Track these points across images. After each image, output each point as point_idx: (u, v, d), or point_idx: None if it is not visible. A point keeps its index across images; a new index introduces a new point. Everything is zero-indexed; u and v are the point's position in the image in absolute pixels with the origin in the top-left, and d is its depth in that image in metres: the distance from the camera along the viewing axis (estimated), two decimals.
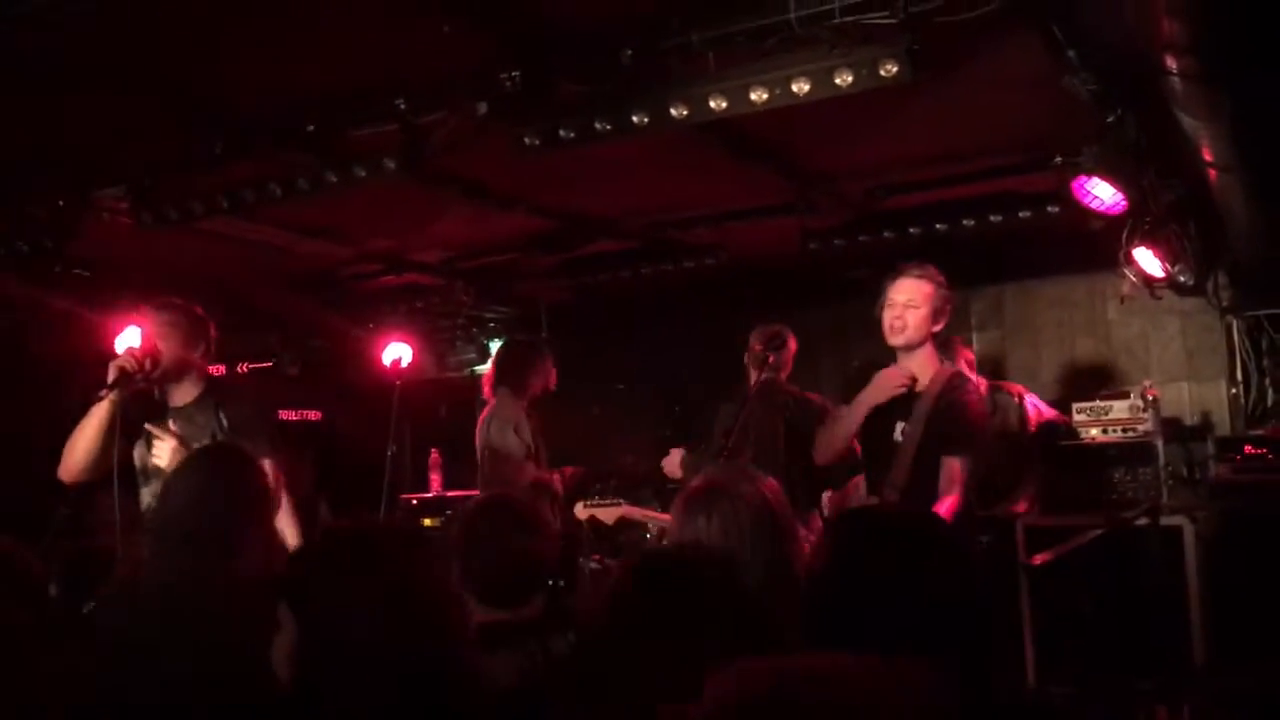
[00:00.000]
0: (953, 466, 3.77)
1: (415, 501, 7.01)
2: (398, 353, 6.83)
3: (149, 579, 2.71)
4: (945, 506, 3.64)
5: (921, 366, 3.91)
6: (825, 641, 1.60)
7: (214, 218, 4.68)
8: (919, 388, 3.89)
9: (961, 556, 1.75)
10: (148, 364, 3.67)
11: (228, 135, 4.20)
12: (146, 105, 3.93)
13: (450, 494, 7.05)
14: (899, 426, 3.88)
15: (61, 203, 4.56)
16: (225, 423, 3.84)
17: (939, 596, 1.63)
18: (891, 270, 4.00)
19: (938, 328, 3.91)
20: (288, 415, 7.72)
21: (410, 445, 7.47)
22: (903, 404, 3.90)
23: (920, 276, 3.88)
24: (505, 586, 2.58)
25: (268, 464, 3.73)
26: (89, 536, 4.41)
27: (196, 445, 3.67)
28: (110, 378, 3.60)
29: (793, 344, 5.08)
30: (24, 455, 4.08)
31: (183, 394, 3.89)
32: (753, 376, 4.93)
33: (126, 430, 3.73)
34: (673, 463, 4.99)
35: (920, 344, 3.89)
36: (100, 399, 3.63)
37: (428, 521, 6.84)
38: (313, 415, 7.95)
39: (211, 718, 2.09)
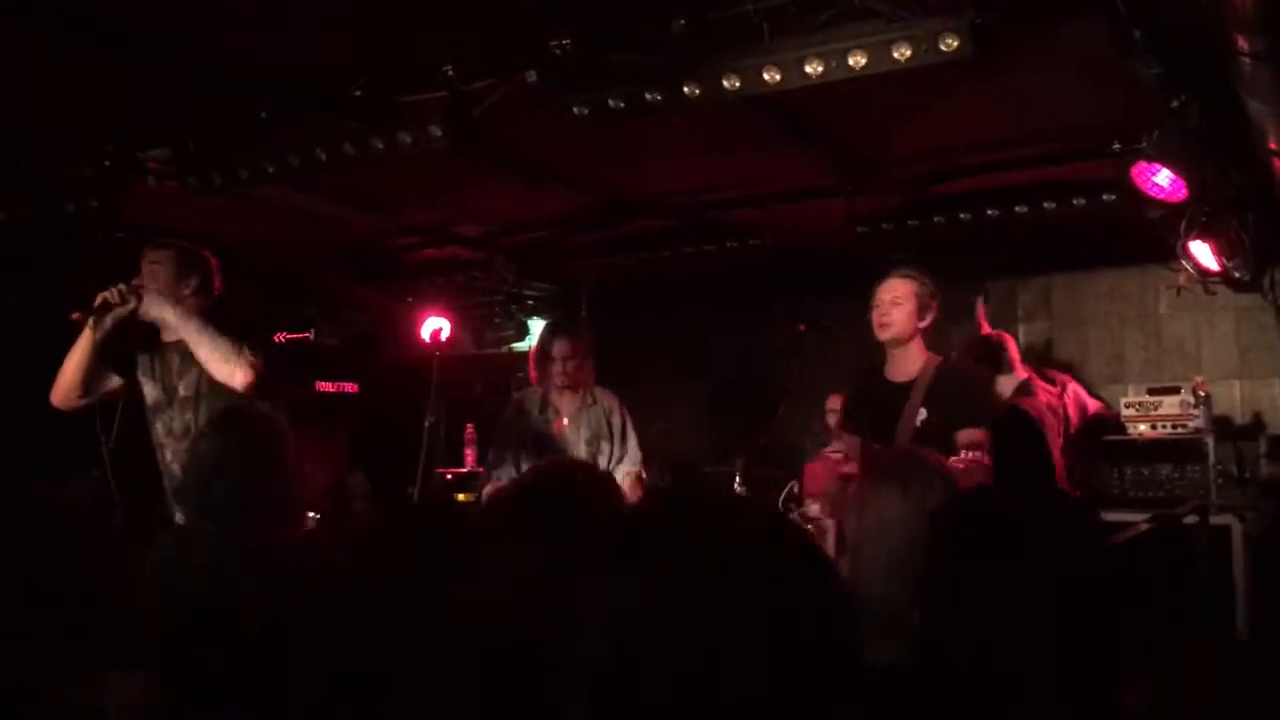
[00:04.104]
0: (970, 437, 3.79)
1: (450, 476, 7.01)
2: (436, 325, 6.81)
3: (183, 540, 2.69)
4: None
5: (913, 358, 4.08)
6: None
7: (259, 184, 4.66)
8: (910, 378, 4.05)
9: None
10: (131, 299, 3.73)
11: (275, 99, 4.18)
12: (194, 67, 3.91)
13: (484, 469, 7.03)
14: (906, 409, 3.98)
15: (108, 163, 4.56)
16: None
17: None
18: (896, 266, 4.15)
19: (924, 323, 4.06)
20: (325, 387, 7.74)
21: (446, 420, 7.46)
22: (901, 394, 4.02)
23: (905, 275, 4.07)
24: None
25: (252, 358, 3.74)
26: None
27: (190, 375, 3.79)
28: (94, 304, 3.70)
29: None
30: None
31: (175, 330, 3.88)
32: None
33: (117, 363, 3.85)
34: None
35: (909, 339, 4.06)
36: (75, 320, 3.71)
37: (462, 496, 6.83)
38: (350, 388, 7.96)
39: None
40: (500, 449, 5.03)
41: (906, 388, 4.02)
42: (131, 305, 3.75)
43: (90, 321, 3.71)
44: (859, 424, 4.12)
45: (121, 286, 3.74)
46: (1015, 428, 4.39)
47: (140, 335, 3.89)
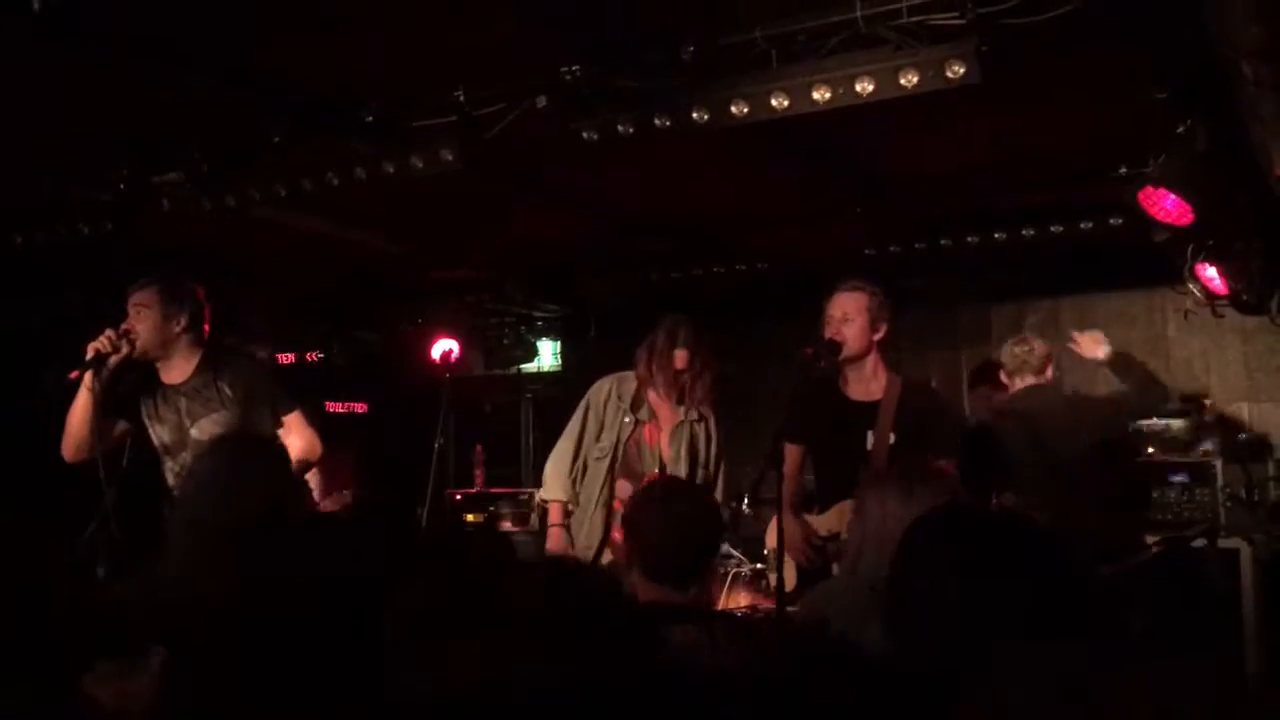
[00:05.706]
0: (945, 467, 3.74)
1: (459, 496, 7.03)
2: (447, 346, 6.85)
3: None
4: None
5: (871, 375, 3.99)
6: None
7: (272, 205, 4.70)
8: (875, 396, 3.95)
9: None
10: (123, 345, 3.71)
11: (289, 123, 4.22)
12: (208, 90, 3.95)
13: (494, 490, 7.05)
14: (869, 436, 3.90)
15: (123, 186, 4.60)
16: (229, 394, 3.83)
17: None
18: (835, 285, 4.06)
19: (878, 336, 3.98)
20: (335, 407, 7.78)
21: (454, 441, 7.49)
22: (864, 414, 3.94)
23: (853, 289, 3.98)
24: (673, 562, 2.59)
25: (297, 416, 3.87)
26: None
27: (205, 421, 3.78)
28: (87, 357, 3.67)
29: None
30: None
31: (178, 371, 3.86)
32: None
33: (122, 409, 3.83)
34: None
35: (864, 354, 3.96)
36: (72, 379, 3.68)
37: (470, 517, 6.86)
38: (359, 407, 8.01)
39: None
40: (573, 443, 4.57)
41: (871, 408, 3.93)
42: (125, 351, 3.72)
43: (88, 376, 3.67)
44: (811, 440, 4.07)
45: (110, 333, 3.70)
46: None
47: (139, 377, 3.87)
